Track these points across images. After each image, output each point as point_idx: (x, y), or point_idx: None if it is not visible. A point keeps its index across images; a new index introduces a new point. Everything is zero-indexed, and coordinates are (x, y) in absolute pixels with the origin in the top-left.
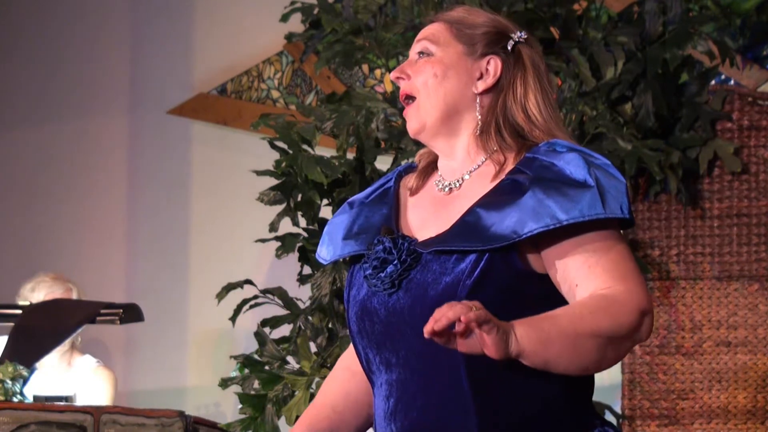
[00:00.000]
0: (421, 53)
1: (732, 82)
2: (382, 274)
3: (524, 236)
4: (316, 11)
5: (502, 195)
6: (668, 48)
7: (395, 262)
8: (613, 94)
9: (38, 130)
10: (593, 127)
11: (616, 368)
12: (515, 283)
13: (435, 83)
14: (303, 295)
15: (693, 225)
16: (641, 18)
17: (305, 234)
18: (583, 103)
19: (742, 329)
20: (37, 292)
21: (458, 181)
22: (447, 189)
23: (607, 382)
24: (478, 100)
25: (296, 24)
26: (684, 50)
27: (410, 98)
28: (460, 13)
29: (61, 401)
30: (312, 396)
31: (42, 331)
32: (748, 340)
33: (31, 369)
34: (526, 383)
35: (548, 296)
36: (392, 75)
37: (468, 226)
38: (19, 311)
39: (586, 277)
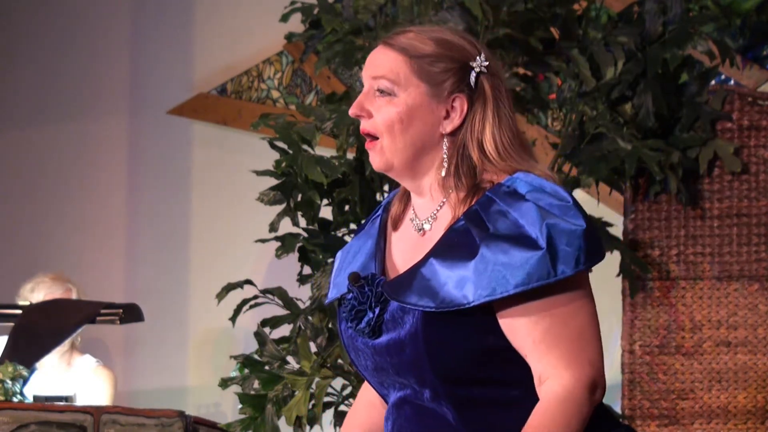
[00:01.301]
0: (381, 91)
1: (732, 82)
2: (361, 325)
3: (473, 304)
4: (316, 11)
5: (456, 246)
6: (668, 48)
7: (368, 313)
8: (613, 94)
9: (39, 130)
10: (593, 127)
11: (616, 368)
12: (465, 323)
13: (400, 128)
14: (303, 295)
15: (693, 225)
16: (641, 18)
17: (305, 234)
18: (583, 103)
19: (742, 329)
20: (36, 293)
21: (428, 221)
22: (420, 231)
23: (608, 382)
24: (445, 141)
25: (296, 24)
26: (684, 50)
27: (372, 137)
28: (414, 41)
29: (61, 401)
30: (312, 396)
31: (42, 331)
32: (748, 340)
33: (31, 369)
34: (516, 413)
35: (503, 341)
36: (351, 111)
37: (423, 281)
38: (19, 311)
39: (532, 352)
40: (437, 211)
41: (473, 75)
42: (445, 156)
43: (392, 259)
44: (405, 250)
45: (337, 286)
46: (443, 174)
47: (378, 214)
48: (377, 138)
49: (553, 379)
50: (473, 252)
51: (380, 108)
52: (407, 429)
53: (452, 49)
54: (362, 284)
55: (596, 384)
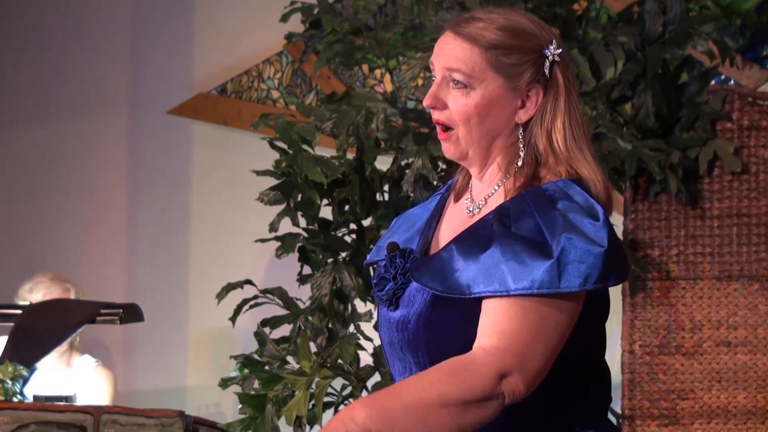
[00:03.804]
0: (456, 81)
1: (732, 82)
2: (381, 292)
3: (473, 296)
4: (316, 11)
5: (476, 237)
6: (668, 48)
7: (390, 283)
8: (613, 94)
9: (38, 130)
10: (593, 127)
11: (617, 368)
12: (467, 314)
13: (477, 121)
14: (303, 295)
15: (693, 225)
16: (641, 18)
17: (305, 234)
18: (583, 103)
19: (742, 329)
20: (35, 293)
21: (478, 206)
22: (470, 213)
23: None
24: (521, 131)
25: (296, 24)
26: (684, 50)
27: (447, 127)
28: (486, 31)
29: (61, 401)
30: (312, 396)
31: (42, 331)
32: (748, 340)
33: (31, 369)
34: (502, 416)
35: None
36: (425, 102)
37: (440, 264)
38: (19, 311)
39: (484, 332)
40: (489, 196)
41: (547, 65)
42: (521, 145)
43: (438, 238)
44: (452, 230)
45: (379, 250)
46: (519, 163)
47: (441, 192)
48: (451, 128)
49: (476, 348)
50: (486, 246)
51: (456, 100)
52: None
53: (526, 38)
54: (395, 255)
55: (509, 371)
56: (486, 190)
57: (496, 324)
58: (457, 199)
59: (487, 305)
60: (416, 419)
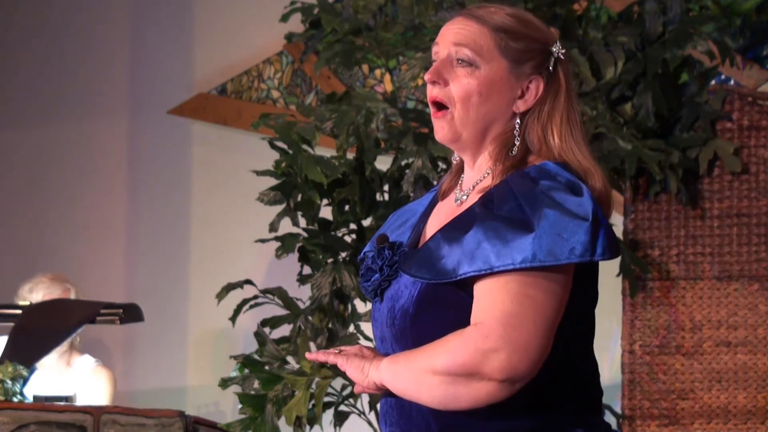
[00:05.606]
0: (461, 60)
1: (732, 82)
2: (367, 283)
3: (458, 278)
4: (316, 11)
5: (461, 223)
6: (668, 48)
7: (377, 272)
8: (613, 94)
9: (38, 130)
10: (593, 127)
11: (616, 368)
12: (456, 309)
13: (477, 101)
14: (303, 295)
15: (693, 225)
16: (641, 18)
17: (305, 234)
18: (583, 103)
19: (742, 329)
20: (35, 293)
21: (466, 193)
22: (458, 202)
23: (607, 382)
24: (517, 120)
25: (296, 24)
26: (684, 50)
27: (442, 106)
28: (496, 15)
29: (61, 401)
30: (312, 396)
31: (42, 331)
32: (748, 340)
33: (31, 369)
34: (487, 409)
35: None
36: (427, 77)
37: (427, 253)
38: (19, 311)
39: (479, 311)
40: (479, 182)
41: (552, 60)
42: (516, 134)
43: (426, 231)
44: (439, 221)
45: (367, 246)
46: (513, 152)
47: (436, 188)
48: (446, 108)
49: (472, 326)
50: (468, 229)
51: (459, 78)
52: (390, 414)
53: (534, 29)
54: (384, 247)
55: (493, 348)
56: (476, 177)
57: (483, 302)
58: (444, 195)
59: (476, 289)
60: (413, 379)
